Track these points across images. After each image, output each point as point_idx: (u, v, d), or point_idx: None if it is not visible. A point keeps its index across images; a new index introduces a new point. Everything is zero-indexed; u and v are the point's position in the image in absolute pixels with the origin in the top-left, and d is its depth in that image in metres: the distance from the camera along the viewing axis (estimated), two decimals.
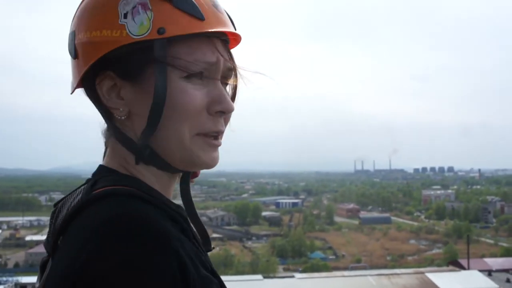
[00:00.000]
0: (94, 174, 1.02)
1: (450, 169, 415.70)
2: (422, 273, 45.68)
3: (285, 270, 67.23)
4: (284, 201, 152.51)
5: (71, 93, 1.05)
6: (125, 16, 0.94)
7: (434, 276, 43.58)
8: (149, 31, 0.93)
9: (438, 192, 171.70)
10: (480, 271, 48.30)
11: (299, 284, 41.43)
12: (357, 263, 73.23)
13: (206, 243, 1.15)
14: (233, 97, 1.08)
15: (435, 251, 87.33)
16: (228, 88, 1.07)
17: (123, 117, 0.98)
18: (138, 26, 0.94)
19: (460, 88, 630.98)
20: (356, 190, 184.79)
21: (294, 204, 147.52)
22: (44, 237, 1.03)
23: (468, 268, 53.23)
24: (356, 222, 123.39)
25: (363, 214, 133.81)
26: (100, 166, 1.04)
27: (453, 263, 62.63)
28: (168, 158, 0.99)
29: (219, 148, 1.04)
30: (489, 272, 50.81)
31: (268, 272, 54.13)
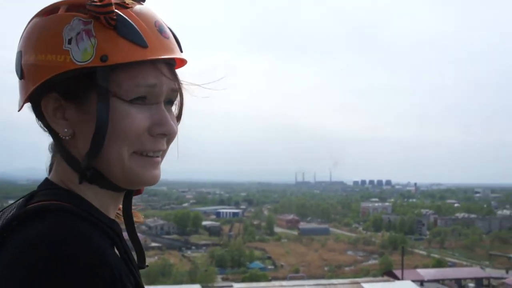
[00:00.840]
0: (39, 187, 1.03)
1: (388, 182, 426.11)
2: (358, 283, 46.58)
3: (224, 280, 66.89)
4: (224, 210, 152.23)
5: (18, 111, 1.05)
6: (70, 41, 0.95)
7: (369, 286, 44.52)
8: (92, 58, 0.93)
9: (376, 204, 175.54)
10: (413, 281, 49.71)
11: None
12: (295, 273, 73.84)
13: (141, 259, 1.17)
14: (178, 117, 1.10)
15: (371, 261, 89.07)
16: (174, 108, 1.09)
17: (67, 137, 0.99)
18: (82, 53, 0.94)
19: (399, 104, 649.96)
20: (296, 201, 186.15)
21: (235, 214, 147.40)
22: None
23: (402, 279, 54.67)
24: (296, 233, 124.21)
25: (303, 225, 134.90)
26: (46, 180, 1.05)
27: (388, 273, 64.10)
28: (111, 177, 1.00)
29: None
30: (421, 282, 52.42)
31: (206, 282, 53.74)
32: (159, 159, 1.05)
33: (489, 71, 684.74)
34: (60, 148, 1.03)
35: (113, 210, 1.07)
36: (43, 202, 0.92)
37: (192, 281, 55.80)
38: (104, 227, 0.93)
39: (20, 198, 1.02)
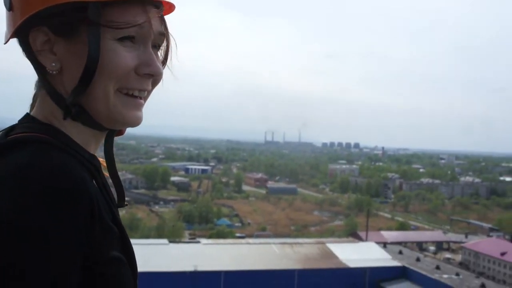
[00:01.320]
0: (19, 121, 1.03)
1: (356, 145, 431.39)
2: (323, 243, 47.56)
3: (191, 235, 67.47)
4: (193, 167, 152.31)
5: (5, 43, 1.05)
6: None
7: (334, 246, 45.51)
8: None
9: (344, 166, 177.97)
10: (377, 243, 50.95)
11: (204, 249, 41.93)
12: (262, 232, 74.81)
13: (120, 198, 1.18)
14: (164, 61, 1.12)
15: (337, 222, 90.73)
16: (160, 53, 1.10)
17: (54, 72, 0.98)
18: None
19: (370, 70, 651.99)
20: (265, 160, 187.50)
21: (204, 171, 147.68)
22: None
23: (366, 240, 56.00)
24: (264, 191, 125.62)
25: (271, 184, 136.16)
26: (26, 114, 1.05)
27: (353, 234, 65.60)
28: (94, 115, 1.00)
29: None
30: (384, 244, 53.58)
31: (174, 237, 54.15)
32: (143, 101, 1.06)
33: (464, 40, 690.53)
34: (45, 83, 1.01)
35: (94, 148, 1.07)
36: (24, 134, 0.93)
37: (160, 236, 56.12)
38: (84, 161, 0.96)
39: (1, 131, 1.01)
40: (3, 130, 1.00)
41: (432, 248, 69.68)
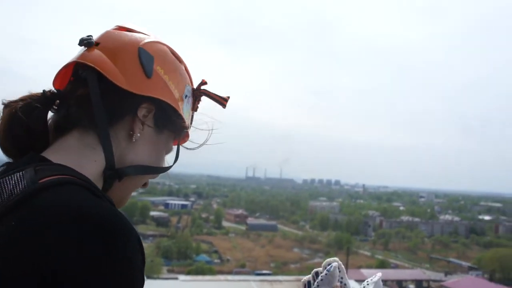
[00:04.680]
0: (26, 163, 0.95)
1: (337, 182, 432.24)
2: None
3: (169, 271, 66.50)
4: (173, 202, 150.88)
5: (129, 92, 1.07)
6: (185, 97, 1.17)
7: None
8: (188, 123, 1.21)
9: (324, 203, 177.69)
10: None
11: (182, 286, 41.23)
12: (241, 268, 73.98)
13: None
14: None
15: (316, 260, 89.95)
16: None
17: (134, 140, 1.08)
18: (185, 113, 1.16)
19: (351, 106, 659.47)
20: (245, 196, 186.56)
21: (184, 206, 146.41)
22: None
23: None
24: (244, 228, 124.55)
25: (251, 220, 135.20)
26: (38, 156, 1.00)
27: None
28: (113, 187, 1.09)
29: None
30: None
31: (152, 273, 53.23)
32: None
33: (444, 77, 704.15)
34: (107, 138, 1.04)
35: None
36: (58, 176, 0.88)
37: None
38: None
39: (12, 170, 0.93)
40: (18, 169, 0.92)
41: (411, 286, 69.41)
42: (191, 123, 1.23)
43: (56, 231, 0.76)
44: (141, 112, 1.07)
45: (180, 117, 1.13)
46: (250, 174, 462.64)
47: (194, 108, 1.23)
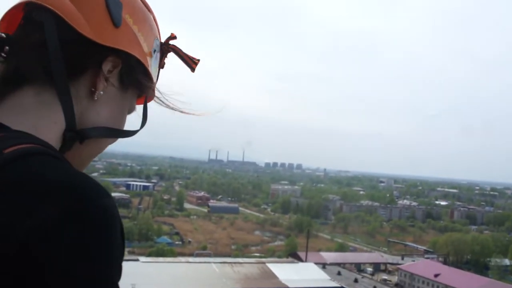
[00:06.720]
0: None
1: (299, 166, 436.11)
2: (263, 263, 47.70)
3: (130, 253, 66.20)
4: (135, 183, 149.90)
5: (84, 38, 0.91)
6: (154, 52, 1.04)
7: (274, 266, 45.70)
8: (154, 80, 1.06)
9: (286, 187, 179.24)
10: (316, 263, 51.53)
11: (143, 267, 41.22)
12: (202, 250, 74.25)
13: None
14: None
15: (277, 243, 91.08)
16: None
17: (96, 98, 0.93)
18: (153, 70, 1.03)
19: (315, 93, 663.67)
20: (208, 178, 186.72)
21: (145, 187, 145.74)
22: None
23: (306, 261, 56.48)
24: (205, 210, 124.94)
25: (213, 203, 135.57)
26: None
27: (293, 255, 66.04)
28: (75, 148, 0.94)
29: None
30: (323, 265, 54.30)
31: None
32: None
33: (405, 68, 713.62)
34: (67, 97, 0.90)
35: None
36: (24, 146, 0.76)
37: None
38: None
39: None
40: None
41: (370, 269, 70.92)
42: (157, 81, 1.07)
43: (36, 211, 0.67)
44: (106, 67, 0.93)
45: (148, 75, 1.01)
46: (213, 156, 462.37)
47: (161, 65, 1.09)
